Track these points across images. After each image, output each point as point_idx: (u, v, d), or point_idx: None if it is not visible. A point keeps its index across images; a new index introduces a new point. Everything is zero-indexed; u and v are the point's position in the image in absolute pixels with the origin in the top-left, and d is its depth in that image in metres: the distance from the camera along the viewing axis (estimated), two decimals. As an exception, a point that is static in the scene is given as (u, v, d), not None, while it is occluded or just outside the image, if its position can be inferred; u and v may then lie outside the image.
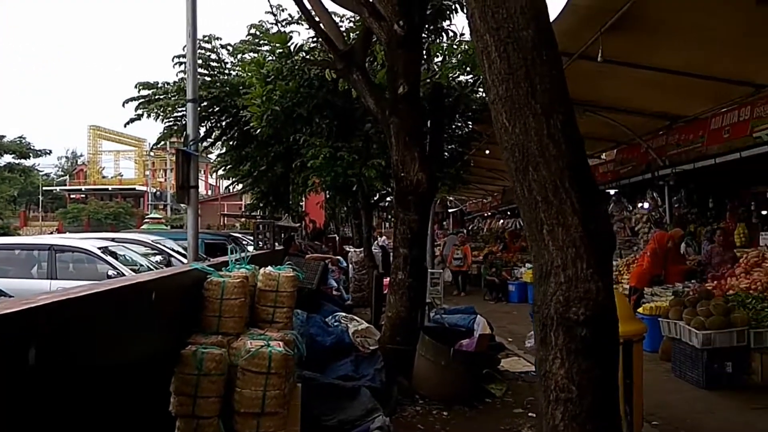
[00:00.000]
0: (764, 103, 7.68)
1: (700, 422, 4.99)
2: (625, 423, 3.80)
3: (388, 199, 14.49)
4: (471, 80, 10.66)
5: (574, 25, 5.83)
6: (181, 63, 11.92)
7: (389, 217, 25.37)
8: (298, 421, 3.73)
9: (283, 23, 11.11)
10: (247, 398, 3.27)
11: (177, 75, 12.45)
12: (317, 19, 7.02)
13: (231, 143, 13.51)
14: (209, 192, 57.38)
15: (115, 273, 7.52)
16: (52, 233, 32.37)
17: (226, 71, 12.83)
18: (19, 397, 1.92)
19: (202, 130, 12.34)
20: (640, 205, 12.10)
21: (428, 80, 9.07)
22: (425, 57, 9.08)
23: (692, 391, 5.83)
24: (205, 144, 13.38)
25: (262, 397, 3.27)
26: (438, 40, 9.92)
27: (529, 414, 5.10)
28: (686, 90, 7.89)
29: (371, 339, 5.86)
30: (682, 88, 7.81)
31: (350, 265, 11.91)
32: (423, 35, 7.34)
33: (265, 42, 11.18)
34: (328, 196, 16.44)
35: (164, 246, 10.55)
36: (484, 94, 5.63)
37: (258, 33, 11.47)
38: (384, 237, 20.26)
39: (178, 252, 10.10)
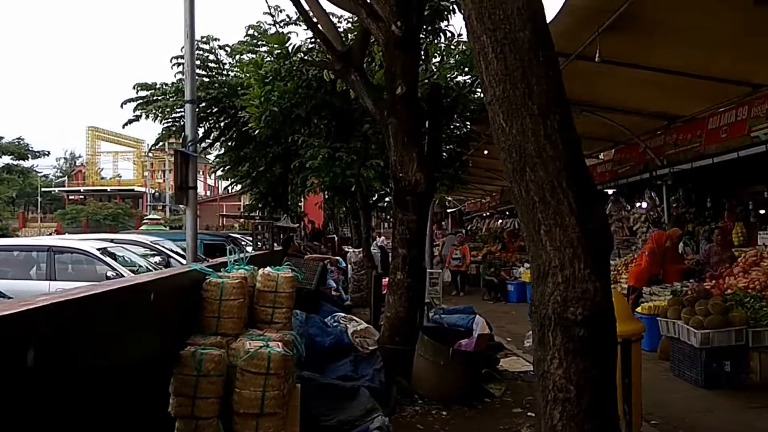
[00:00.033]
0: (761, 102, 7.71)
1: (699, 421, 5.00)
2: (624, 422, 3.81)
3: (387, 199, 14.52)
4: (469, 80, 10.68)
5: (572, 26, 5.85)
6: (179, 64, 11.94)
7: (388, 217, 25.39)
8: (297, 421, 3.74)
9: (281, 24, 11.15)
10: (246, 399, 3.27)
11: (175, 76, 12.48)
12: (315, 20, 7.02)
13: (229, 144, 13.52)
14: (208, 193, 57.34)
15: (114, 274, 7.52)
16: (50, 234, 32.31)
17: (225, 72, 12.85)
18: (17, 399, 1.92)
19: (201, 131, 12.34)
20: (638, 204, 12.14)
21: (426, 81, 9.08)
22: (423, 57, 9.07)
23: (691, 390, 5.84)
24: (203, 145, 13.38)
25: (261, 398, 3.27)
26: (436, 41, 9.93)
27: (528, 413, 5.11)
28: (684, 90, 7.90)
29: (370, 339, 5.87)
30: (680, 88, 7.82)
31: (349, 266, 11.92)
32: (421, 36, 7.34)
33: (264, 43, 11.20)
34: (326, 196, 16.47)
35: (163, 247, 10.55)
36: (482, 95, 5.64)
37: (256, 34, 11.49)
38: (383, 237, 20.28)
39: (176, 253, 10.09)
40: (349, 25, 9.81)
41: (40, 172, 56.83)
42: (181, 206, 9.00)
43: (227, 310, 3.60)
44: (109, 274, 7.60)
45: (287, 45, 10.16)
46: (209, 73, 12.72)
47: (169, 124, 12.78)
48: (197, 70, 11.15)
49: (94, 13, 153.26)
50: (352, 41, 7.38)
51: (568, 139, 2.61)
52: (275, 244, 9.16)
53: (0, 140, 33.34)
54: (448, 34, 9.84)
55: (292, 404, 3.70)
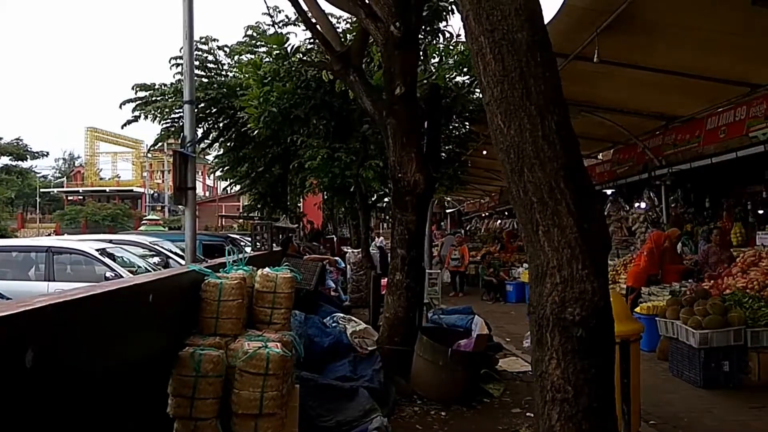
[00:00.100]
0: (760, 102, 7.72)
1: (698, 421, 5.00)
2: (622, 422, 3.82)
3: (386, 199, 14.52)
4: (468, 81, 10.70)
5: (571, 26, 5.86)
6: (178, 64, 11.95)
7: (387, 217, 25.38)
8: (296, 422, 3.74)
9: (280, 25, 11.16)
10: (245, 399, 3.27)
11: (174, 76, 12.50)
12: (314, 20, 7.03)
13: (228, 144, 13.54)
14: (207, 193, 57.33)
15: (113, 275, 7.52)
16: (49, 235, 32.30)
17: (224, 73, 12.87)
18: (16, 400, 1.93)
19: (200, 132, 12.36)
20: (637, 204, 12.14)
21: (425, 81, 9.09)
22: (422, 58, 9.10)
23: (690, 390, 5.84)
24: (202, 145, 13.40)
25: (260, 399, 3.26)
26: (435, 41, 9.95)
27: (527, 414, 5.11)
28: (682, 90, 7.91)
29: (369, 340, 5.86)
30: (678, 89, 7.84)
31: (348, 266, 11.92)
32: (419, 36, 7.35)
33: (262, 43, 11.21)
34: (325, 196, 16.48)
35: (162, 247, 10.54)
36: (480, 95, 5.65)
37: (255, 34, 11.51)
38: (382, 237, 20.27)
39: (175, 253, 10.09)
40: (348, 25, 9.83)
41: (38, 173, 56.90)
42: (180, 207, 9.00)
43: (226, 310, 3.60)
44: (108, 274, 7.60)
45: (286, 45, 10.17)
46: (208, 73, 12.74)
47: (168, 125, 12.80)
48: (196, 71, 11.17)
49: (94, 13, 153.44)
50: (350, 42, 7.39)
51: (566, 139, 2.61)
52: (274, 245, 9.16)
53: (-1, 141, 33.33)
54: (447, 35, 9.88)
55: (291, 405, 3.70)
